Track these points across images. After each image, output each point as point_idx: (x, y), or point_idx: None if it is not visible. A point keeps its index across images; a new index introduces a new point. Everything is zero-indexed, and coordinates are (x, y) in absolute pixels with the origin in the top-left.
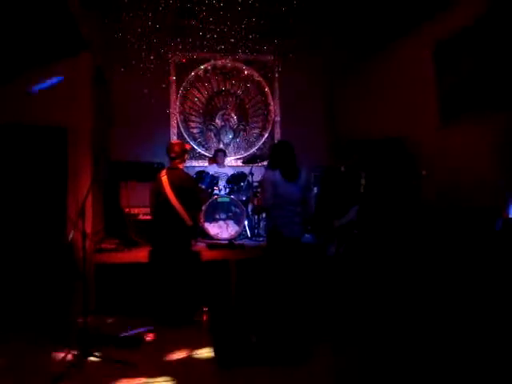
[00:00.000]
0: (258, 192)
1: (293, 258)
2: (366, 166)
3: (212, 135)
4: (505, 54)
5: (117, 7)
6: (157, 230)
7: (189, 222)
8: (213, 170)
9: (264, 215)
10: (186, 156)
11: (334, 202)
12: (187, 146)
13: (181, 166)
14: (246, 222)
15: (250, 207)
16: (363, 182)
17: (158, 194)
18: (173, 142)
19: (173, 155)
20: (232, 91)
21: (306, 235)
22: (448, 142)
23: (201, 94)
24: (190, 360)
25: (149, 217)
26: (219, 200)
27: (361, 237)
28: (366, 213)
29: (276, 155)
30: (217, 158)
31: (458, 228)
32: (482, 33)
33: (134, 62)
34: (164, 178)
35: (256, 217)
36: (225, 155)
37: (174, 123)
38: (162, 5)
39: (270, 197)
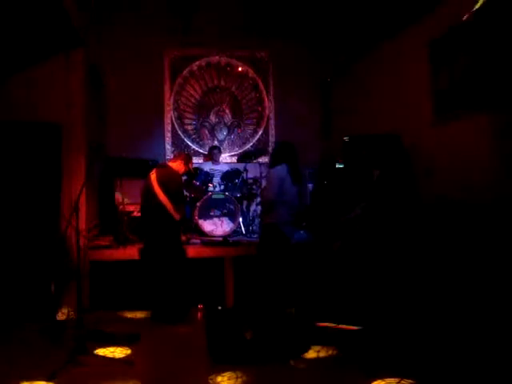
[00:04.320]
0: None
1: (286, 255)
2: (376, 162)
3: (206, 132)
4: (500, 51)
5: (110, 4)
6: (146, 227)
7: (176, 217)
8: (207, 166)
9: (258, 212)
10: (184, 166)
11: (335, 197)
12: (190, 165)
13: (172, 166)
14: (240, 219)
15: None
16: (375, 179)
17: (147, 192)
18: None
19: (173, 157)
20: (226, 87)
21: (301, 232)
22: (443, 139)
23: (195, 90)
24: (184, 357)
25: None
26: (214, 197)
27: (364, 233)
28: (374, 210)
29: (285, 153)
30: (212, 155)
31: (457, 225)
32: (477, 29)
33: (128, 58)
34: (153, 175)
35: (251, 214)
36: (220, 152)
37: (168, 120)
38: (157, 1)
39: (276, 192)
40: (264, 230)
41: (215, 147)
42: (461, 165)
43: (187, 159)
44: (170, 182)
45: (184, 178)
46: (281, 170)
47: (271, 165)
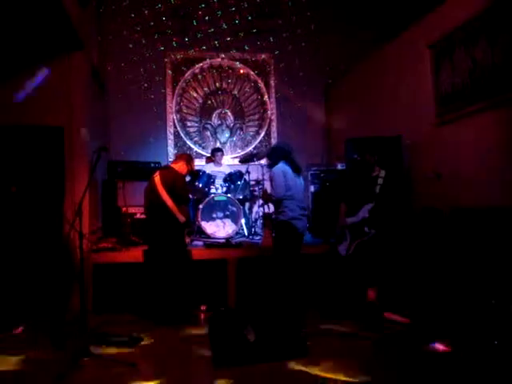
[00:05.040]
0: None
1: (299, 254)
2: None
3: (209, 134)
4: (502, 50)
5: (112, 6)
6: (150, 228)
7: (181, 219)
8: (210, 168)
9: (261, 213)
10: (187, 166)
11: (342, 200)
12: (193, 165)
13: (175, 167)
14: (243, 221)
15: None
16: (381, 181)
17: (151, 194)
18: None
19: (174, 159)
20: (228, 90)
21: None
22: (446, 139)
23: (197, 92)
24: (187, 359)
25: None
26: (216, 199)
27: (372, 235)
28: (379, 211)
29: (281, 151)
30: (215, 157)
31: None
32: (479, 30)
33: (129, 60)
34: (157, 178)
35: (253, 215)
36: (222, 154)
37: (170, 122)
38: (158, 4)
39: (283, 187)
40: (277, 228)
41: (217, 149)
42: (463, 164)
43: (189, 159)
44: (173, 183)
45: (187, 179)
46: (280, 166)
47: (270, 167)
